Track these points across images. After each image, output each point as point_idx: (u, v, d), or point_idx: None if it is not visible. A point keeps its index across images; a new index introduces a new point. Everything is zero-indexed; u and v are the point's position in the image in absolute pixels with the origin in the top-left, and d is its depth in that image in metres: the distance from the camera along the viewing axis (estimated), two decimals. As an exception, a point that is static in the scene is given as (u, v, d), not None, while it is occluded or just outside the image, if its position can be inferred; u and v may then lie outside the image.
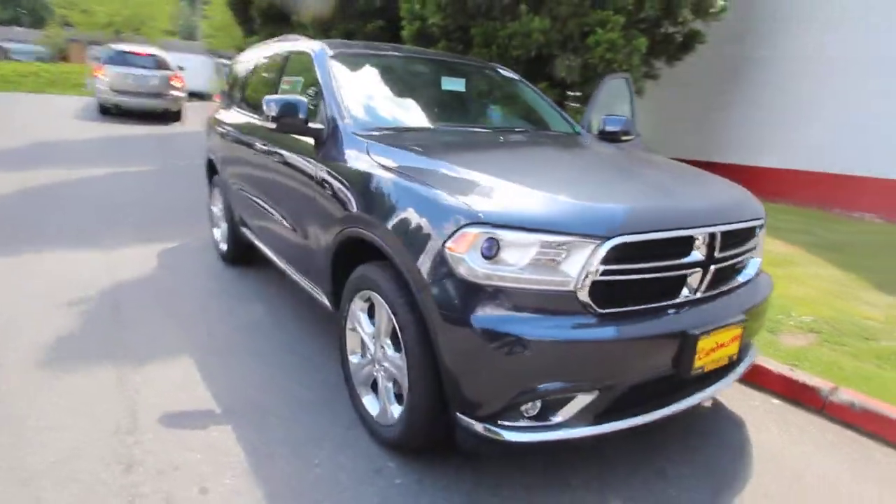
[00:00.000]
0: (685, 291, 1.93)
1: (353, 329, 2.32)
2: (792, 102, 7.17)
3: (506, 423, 1.75)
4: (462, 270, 1.69)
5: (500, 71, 3.54)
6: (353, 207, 2.16)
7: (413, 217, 1.84)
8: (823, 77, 6.86)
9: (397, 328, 1.95)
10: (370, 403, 2.26)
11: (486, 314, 1.68)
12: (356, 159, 2.27)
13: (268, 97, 2.58)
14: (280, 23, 11.96)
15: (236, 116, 3.95)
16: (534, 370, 1.69)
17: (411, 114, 2.80)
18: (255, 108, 3.69)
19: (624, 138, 3.42)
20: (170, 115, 13.47)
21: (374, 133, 2.43)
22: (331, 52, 2.96)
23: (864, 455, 2.30)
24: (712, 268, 1.96)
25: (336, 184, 2.33)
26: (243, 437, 2.21)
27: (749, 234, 2.15)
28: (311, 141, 2.64)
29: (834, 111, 6.79)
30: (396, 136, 2.44)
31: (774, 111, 7.51)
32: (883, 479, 2.17)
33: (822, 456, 2.29)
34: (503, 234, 1.67)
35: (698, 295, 1.96)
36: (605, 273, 1.71)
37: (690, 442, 2.31)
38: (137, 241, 4.80)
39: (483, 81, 3.37)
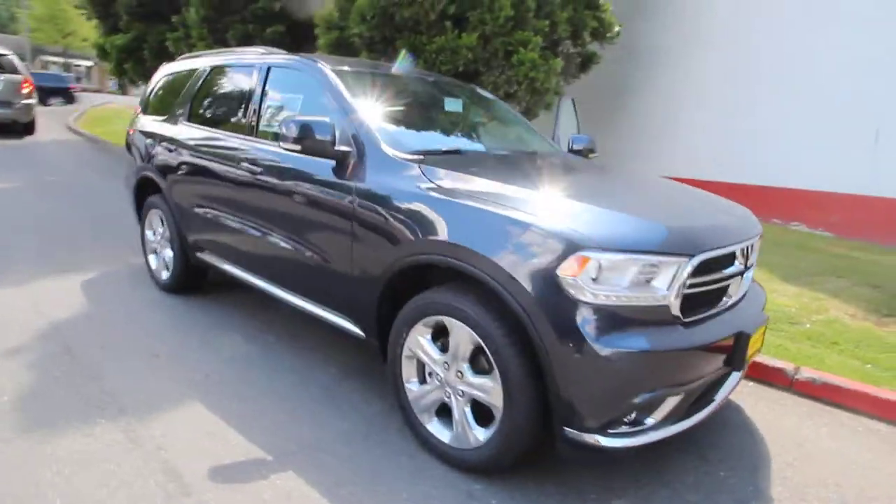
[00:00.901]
0: (725, 298, 2.21)
1: (411, 356, 2.29)
2: (666, 118, 8.18)
3: (610, 431, 1.88)
4: (574, 293, 1.79)
5: (480, 91, 3.66)
6: (423, 234, 2.13)
7: (515, 243, 1.89)
8: (690, 96, 7.93)
9: (488, 351, 1.98)
10: (437, 429, 2.25)
11: (599, 332, 1.79)
12: (412, 184, 2.25)
13: (289, 118, 2.45)
14: (152, 21, 10.91)
15: (191, 132, 3.60)
16: (642, 380, 1.84)
17: (433, 135, 2.82)
18: (224, 124, 3.41)
19: (591, 155, 3.72)
20: (19, 127, 11.47)
21: (418, 156, 2.41)
22: (331, 69, 2.86)
23: (835, 420, 2.78)
24: (745, 275, 2.28)
25: (390, 210, 2.27)
26: (312, 480, 2.08)
27: (755, 245, 2.50)
28: (330, 163, 2.55)
29: (702, 126, 7.87)
30: (442, 160, 2.44)
31: (652, 125, 8.50)
32: (853, 436, 2.65)
33: (806, 425, 2.72)
34: (610, 257, 1.80)
35: (734, 300, 2.25)
36: (689, 286, 1.91)
37: (711, 430, 2.61)
38: (50, 273, 4.16)
39: (472, 102, 3.45)
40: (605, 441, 1.88)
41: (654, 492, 2.14)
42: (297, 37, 8.87)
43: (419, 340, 2.24)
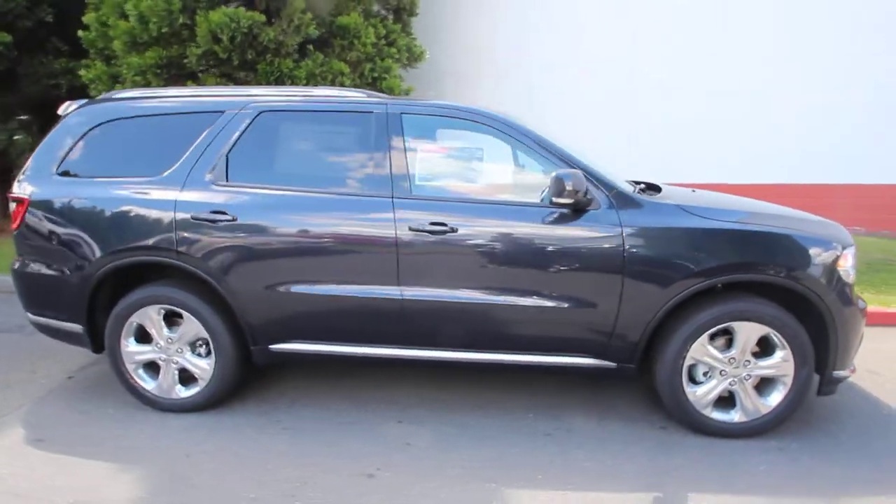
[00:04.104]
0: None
1: (691, 364, 2.71)
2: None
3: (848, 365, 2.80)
4: (844, 276, 2.64)
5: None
6: (718, 259, 2.58)
7: (811, 253, 2.60)
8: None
9: (782, 336, 2.61)
10: (722, 415, 2.75)
11: (857, 299, 2.70)
12: (683, 220, 2.62)
13: (560, 172, 2.52)
14: None
15: (256, 196, 2.81)
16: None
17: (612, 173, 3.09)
18: (326, 183, 2.84)
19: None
20: None
21: (651, 194, 2.78)
22: (513, 118, 2.90)
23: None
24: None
25: (672, 247, 2.61)
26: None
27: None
28: (558, 211, 2.66)
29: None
30: (664, 194, 2.86)
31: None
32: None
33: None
34: (850, 251, 2.70)
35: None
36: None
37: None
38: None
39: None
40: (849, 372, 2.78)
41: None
42: (33, 48, 6.58)
43: (705, 348, 2.68)
